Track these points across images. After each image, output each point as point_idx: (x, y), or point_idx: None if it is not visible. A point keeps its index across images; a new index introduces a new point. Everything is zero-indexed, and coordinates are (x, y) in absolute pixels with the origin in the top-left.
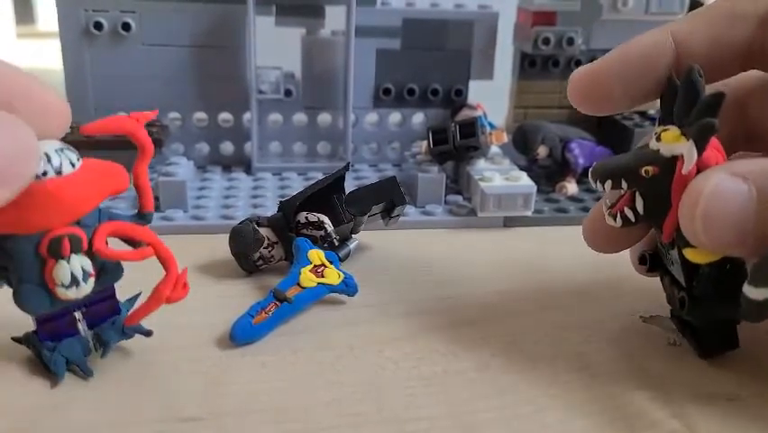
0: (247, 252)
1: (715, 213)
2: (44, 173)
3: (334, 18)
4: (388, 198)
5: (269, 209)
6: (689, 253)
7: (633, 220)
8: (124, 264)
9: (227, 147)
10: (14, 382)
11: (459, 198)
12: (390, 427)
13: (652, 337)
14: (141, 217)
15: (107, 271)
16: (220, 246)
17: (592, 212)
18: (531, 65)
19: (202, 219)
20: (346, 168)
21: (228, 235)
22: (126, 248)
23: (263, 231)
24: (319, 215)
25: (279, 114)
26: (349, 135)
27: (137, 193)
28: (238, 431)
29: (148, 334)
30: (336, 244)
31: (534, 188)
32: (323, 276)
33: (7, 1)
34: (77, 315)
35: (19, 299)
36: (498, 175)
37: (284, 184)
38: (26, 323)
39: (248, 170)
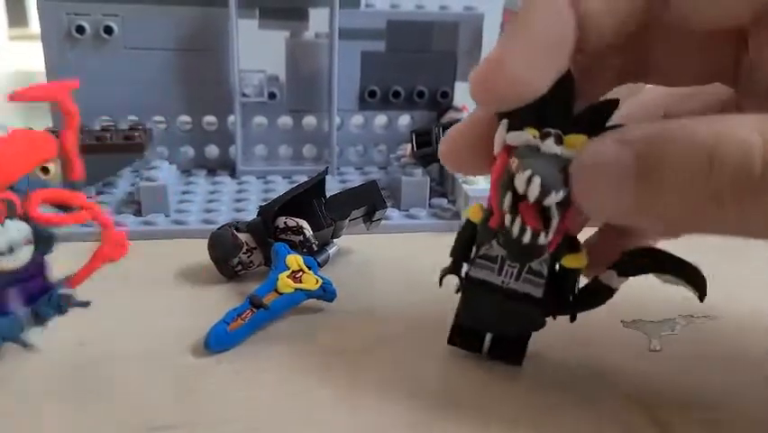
0: (226, 257)
1: (589, 173)
2: None
3: (318, 20)
4: (368, 203)
5: (252, 213)
6: (566, 261)
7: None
8: None
9: (212, 150)
10: None
11: (443, 201)
12: None
13: (633, 343)
14: (71, 186)
15: (40, 240)
16: (201, 251)
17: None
18: None
19: (183, 224)
20: (325, 172)
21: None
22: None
23: (242, 236)
24: (298, 219)
25: (264, 117)
26: (334, 138)
27: (64, 161)
28: None
29: (85, 305)
30: (315, 248)
31: None
32: (300, 282)
33: (0, 3)
34: (11, 293)
35: None
36: (482, 177)
37: (269, 187)
38: None
39: (233, 173)
